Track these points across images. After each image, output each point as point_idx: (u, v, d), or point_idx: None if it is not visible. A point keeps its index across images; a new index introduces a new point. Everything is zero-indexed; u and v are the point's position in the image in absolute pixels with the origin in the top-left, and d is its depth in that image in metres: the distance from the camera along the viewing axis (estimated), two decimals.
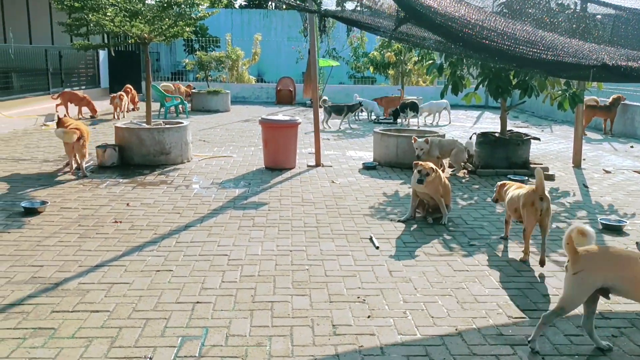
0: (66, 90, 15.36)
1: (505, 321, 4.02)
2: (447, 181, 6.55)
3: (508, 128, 9.91)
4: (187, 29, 9.40)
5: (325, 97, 16.44)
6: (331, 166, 9.51)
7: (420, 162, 6.38)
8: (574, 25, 5.35)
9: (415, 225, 6.27)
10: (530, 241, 5.29)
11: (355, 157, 10.48)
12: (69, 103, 14.81)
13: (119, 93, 15.62)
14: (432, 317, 4.05)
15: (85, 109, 15.18)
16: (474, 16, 4.76)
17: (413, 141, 8.50)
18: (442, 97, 9.91)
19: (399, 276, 4.78)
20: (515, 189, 5.49)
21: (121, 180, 8.04)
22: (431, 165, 6.31)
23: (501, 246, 5.63)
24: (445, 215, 6.36)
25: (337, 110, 14.74)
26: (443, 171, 8.54)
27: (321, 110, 12.43)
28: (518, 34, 4.57)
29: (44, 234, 5.62)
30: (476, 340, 3.73)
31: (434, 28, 5.01)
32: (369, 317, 4.02)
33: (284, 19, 30.01)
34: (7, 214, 6.27)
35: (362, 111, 16.47)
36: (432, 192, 6.31)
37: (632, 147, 12.49)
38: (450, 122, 16.10)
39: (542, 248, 5.14)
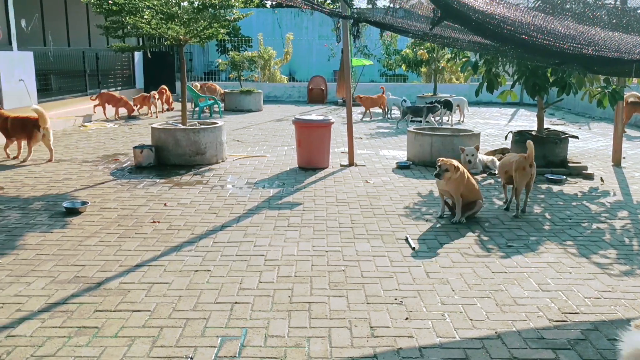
0: (103, 91, 15.69)
1: (546, 324, 3.96)
2: (471, 180, 6.46)
3: (544, 126, 9.73)
4: (222, 31, 9.49)
5: (404, 98, 16.16)
6: (364, 166, 9.49)
7: (442, 158, 6.36)
8: (614, 20, 5.23)
9: (451, 226, 6.21)
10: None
11: (389, 156, 10.43)
12: (106, 104, 15.17)
13: (152, 93, 15.97)
14: (471, 319, 4.01)
15: (122, 110, 15.51)
16: (511, 12, 4.69)
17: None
18: (476, 95, 9.78)
19: (436, 277, 4.75)
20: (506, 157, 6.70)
21: (158, 180, 8.18)
22: (454, 162, 6.26)
23: (540, 247, 5.54)
24: (458, 214, 6.33)
25: (415, 111, 14.40)
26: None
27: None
28: (557, 29, 4.48)
29: (85, 234, 5.76)
30: (517, 343, 3.69)
31: (471, 26, 4.95)
32: (406, 319, 4.01)
33: (315, 17, 30.02)
34: (50, 213, 6.44)
35: (447, 112, 15.24)
36: (453, 191, 6.31)
37: None
38: (461, 120, 15.74)
39: (524, 202, 6.64)
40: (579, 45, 4.28)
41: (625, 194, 7.82)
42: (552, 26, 4.41)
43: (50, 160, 9.36)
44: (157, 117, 15.69)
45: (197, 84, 18.16)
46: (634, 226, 6.28)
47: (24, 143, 9.56)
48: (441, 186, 6.43)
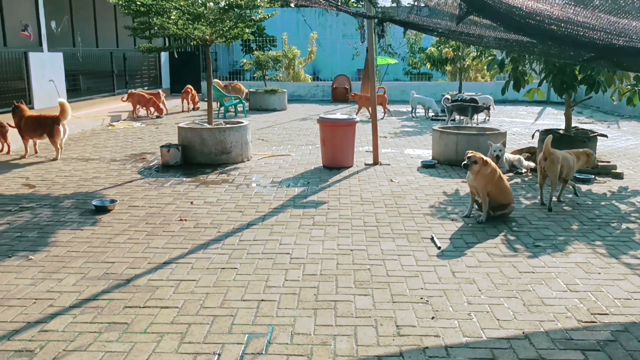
0: (134, 91, 15.95)
1: (574, 325, 3.91)
2: (504, 181, 6.39)
3: (572, 124, 9.59)
4: (247, 31, 9.56)
5: (447, 95, 16.02)
6: (389, 164, 9.47)
7: (472, 151, 6.32)
8: None
9: (477, 225, 6.17)
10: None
11: (414, 155, 10.40)
12: (137, 105, 15.46)
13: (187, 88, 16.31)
14: (498, 319, 3.98)
15: (152, 109, 15.77)
16: (540, 2, 4.62)
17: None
18: (503, 93, 9.69)
19: (462, 277, 4.73)
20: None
21: (185, 179, 8.28)
22: (483, 156, 6.21)
23: (569, 247, 5.47)
24: (484, 214, 6.28)
25: (460, 109, 14.18)
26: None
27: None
28: (587, 20, 4.40)
29: (114, 232, 5.86)
30: (545, 344, 3.65)
31: (497, 19, 4.89)
32: (432, 318, 4.00)
33: (339, 17, 30.01)
34: (80, 211, 6.57)
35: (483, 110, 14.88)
36: (480, 187, 6.23)
37: None
38: (487, 119, 15.55)
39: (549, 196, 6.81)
40: (610, 36, 4.19)
41: None
42: (582, 16, 4.32)
43: (55, 159, 9.51)
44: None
45: (221, 82, 18.31)
46: None
47: (38, 141, 9.87)
48: (470, 181, 6.35)
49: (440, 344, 3.65)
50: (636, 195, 7.54)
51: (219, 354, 3.50)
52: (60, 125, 9.43)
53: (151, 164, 9.33)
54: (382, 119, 16.00)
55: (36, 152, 9.93)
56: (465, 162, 6.21)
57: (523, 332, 3.80)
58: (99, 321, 3.91)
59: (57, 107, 9.58)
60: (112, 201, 6.80)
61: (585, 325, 3.92)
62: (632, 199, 7.37)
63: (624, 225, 6.19)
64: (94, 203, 6.70)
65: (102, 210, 6.57)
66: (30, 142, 9.84)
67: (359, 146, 10.73)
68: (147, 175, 8.48)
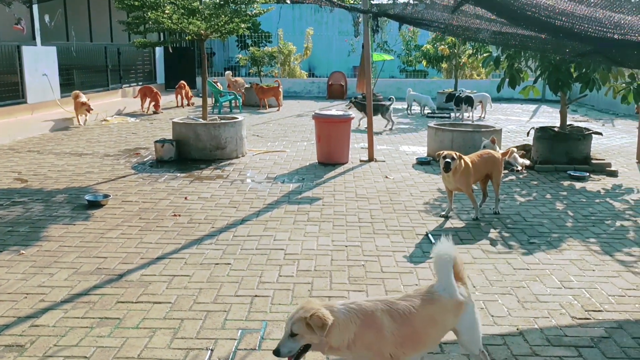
0: (144, 85, 16.01)
1: (568, 322, 3.90)
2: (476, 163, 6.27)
3: (567, 122, 9.59)
4: (242, 26, 9.51)
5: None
6: (384, 161, 9.45)
7: (442, 151, 6.23)
8: None
9: (472, 222, 6.16)
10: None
11: (409, 152, 10.38)
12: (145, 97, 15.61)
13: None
14: (493, 316, 3.97)
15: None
16: None
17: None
18: (498, 90, 9.67)
19: None
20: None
21: (179, 174, 8.23)
22: (456, 154, 6.04)
23: (563, 245, 5.47)
24: (477, 210, 6.28)
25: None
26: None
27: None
28: (582, 12, 4.38)
29: (107, 227, 5.82)
30: (538, 340, 3.64)
31: (494, 8, 4.86)
32: None
33: (335, 13, 29.92)
34: (72, 206, 6.52)
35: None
36: (464, 185, 6.10)
37: None
38: (482, 116, 15.62)
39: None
40: (605, 29, 4.17)
41: None
42: (578, 8, 4.31)
43: None
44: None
45: (231, 77, 18.49)
46: None
47: None
48: (450, 185, 6.18)
49: None
50: (630, 193, 7.55)
51: (212, 350, 3.48)
52: None
53: (145, 159, 9.28)
54: (276, 111, 16.62)
55: None
56: (446, 161, 5.91)
57: (517, 329, 3.79)
58: (90, 316, 3.88)
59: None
60: (105, 196, 6.75)
61: (579, 322, 3.91)
62: (626, 196, 7.38)
63: (618, 223, 6.19)
64: (86, 198, 6.65)
65: (95, 205, 6.53)
66: None
67: (355, 143, 10.71)
68: (140, 171, 8.43)
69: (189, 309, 4.01)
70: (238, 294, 4.26)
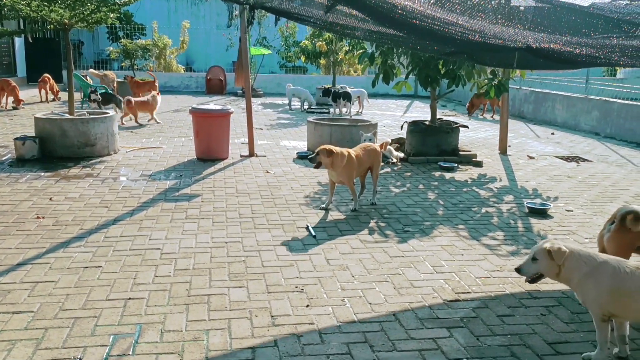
0: (1, 78, 14.52)
1: (440, 304, 4.10)
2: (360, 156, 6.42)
3: (437, 116, 10.12)
4: (112, 15, 9.00)
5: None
6: (265, 156, 9.41)
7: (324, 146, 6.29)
8: (499, 16, 5.50)
9: (351, 214, 6.29)
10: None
11: (289, 146, 10.42)
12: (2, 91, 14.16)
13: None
14: (370, 303, 4.07)
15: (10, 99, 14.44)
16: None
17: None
18: (373, 86, 9.98)
19: (337, 264, 4.78)
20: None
21: (43, 173, 7.63)
22: (328, 147, 6.15)
23: (435, 232, 5.75)
24: (356, 201, 6.46)
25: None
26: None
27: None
28: (447, 18, 4.64)
29: None
30: (413, 324, 3.78)
31: (364, 10, 4.99)
32: (307, 306, 3.99)
33: (212, 7, 29.42)
34: None
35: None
36: (345, 178, 6.25)
37: (553, 134, 13.09)
38: (359, 111, 16.18)
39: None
40: (467, 32, 4.46)
41: (511, 179, 8.31)
42: (442, 13, 4.56)
43: None
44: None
45: (98, 72, 17.35)
46: (519, 209, 6.69)
47: None
48: (331, 175, 6.33)
49: (315, 330, 3.65)
50: (493, 182, 8.11)
51: (81, 358, 3.23)
52: None
53: (3, 159, 8.50)
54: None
55: None
56: (310, 156, 6.13)
57: (393, 314, 3.91)
58: None
59: None
60: None
61: (450, 303, 4.12)
62: (490, 185, 7.92)
63: (483, 210, 6.62)
64: None
65: None
66: None
67: (235, 138, 10.57)
68: None
69: (54, 317, 3.70)
70: (110, 298, 4.01)
